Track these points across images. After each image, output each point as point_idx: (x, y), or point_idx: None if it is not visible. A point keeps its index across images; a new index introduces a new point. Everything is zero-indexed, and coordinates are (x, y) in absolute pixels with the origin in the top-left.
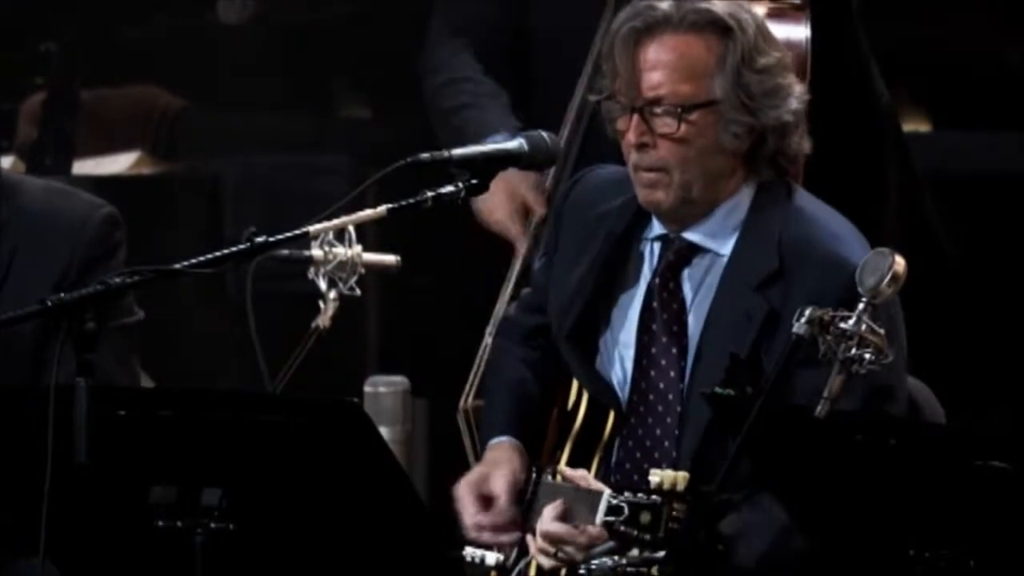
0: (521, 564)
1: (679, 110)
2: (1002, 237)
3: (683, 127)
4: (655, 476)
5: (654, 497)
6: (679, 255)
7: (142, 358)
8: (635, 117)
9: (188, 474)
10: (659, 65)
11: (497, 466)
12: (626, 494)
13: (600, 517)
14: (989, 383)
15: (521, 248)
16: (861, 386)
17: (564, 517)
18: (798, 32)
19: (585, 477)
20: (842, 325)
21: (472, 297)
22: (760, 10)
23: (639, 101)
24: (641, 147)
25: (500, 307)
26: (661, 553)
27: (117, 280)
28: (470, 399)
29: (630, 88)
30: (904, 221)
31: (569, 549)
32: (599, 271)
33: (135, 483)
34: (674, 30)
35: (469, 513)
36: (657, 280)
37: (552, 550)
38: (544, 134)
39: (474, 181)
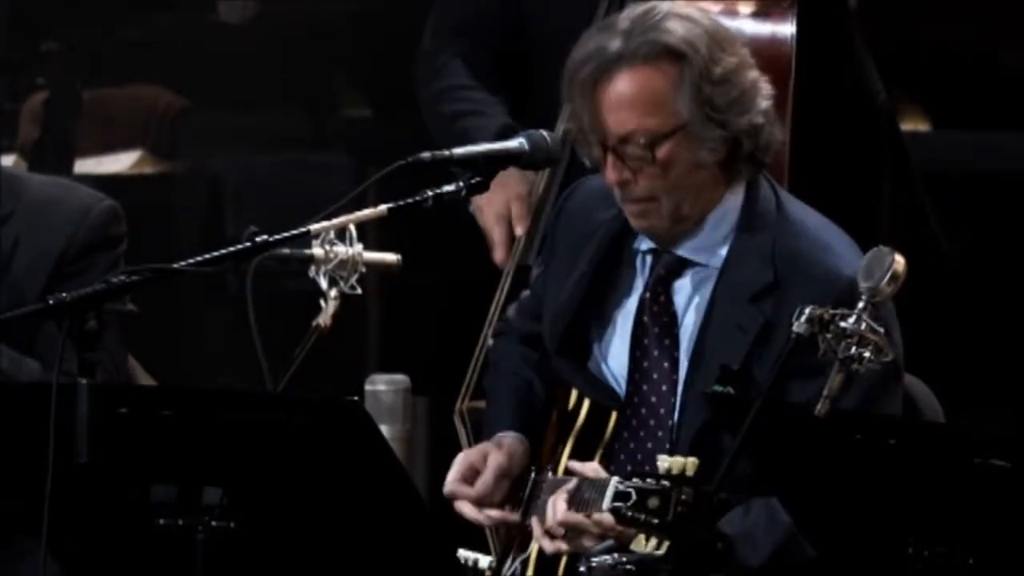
0: (516, 562)
1: (652, 143)
2: (1002, 237)
3: (658, 158)
4: (663, 461)
5: (663, 482)
6: (669, 269)
7: (142, 357)
8: (610, 157)
9: (189, 473)
10: (622, 104)
11: (498, 447)
12: (634, 480)
13: (608, 503)
14: (989, 383)
15: (499, 254)
16: (859, 387)
17: (572, 506)
18: (784, 29)
19: (596, 469)
20: (842, 324)
21: (472, 296)
22: (746, 8)
23: (610, 141)
24: (622, 183)
25: (495, 309)
26: (661, 552)
27: (118, 279)
28: (466, 400)
29: (598, 130)
30: (900, 219)
31: (584, 539)
32: (589, 283)
33: (136, 482)
34: (629, 66)
35: (449, 479)
36: (648, 294)
37: (561, 535)
38: (544, 133)
39: (475, 180)
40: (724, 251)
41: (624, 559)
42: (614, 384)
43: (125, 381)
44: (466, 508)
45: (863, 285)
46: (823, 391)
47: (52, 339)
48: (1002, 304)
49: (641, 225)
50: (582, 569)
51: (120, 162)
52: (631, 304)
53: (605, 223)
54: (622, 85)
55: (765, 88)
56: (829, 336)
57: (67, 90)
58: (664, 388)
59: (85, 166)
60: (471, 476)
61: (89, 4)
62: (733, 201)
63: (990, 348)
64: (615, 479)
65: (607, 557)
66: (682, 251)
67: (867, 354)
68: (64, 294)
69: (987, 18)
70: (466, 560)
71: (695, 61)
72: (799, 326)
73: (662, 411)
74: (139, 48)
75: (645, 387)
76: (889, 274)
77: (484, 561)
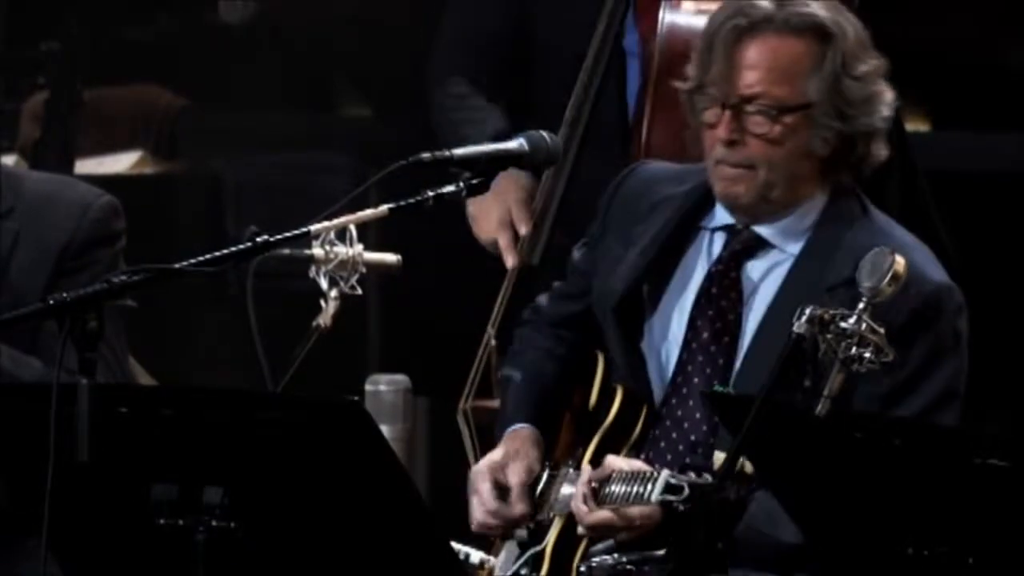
0: (528, 554)
1: (774, 111)
2: (1002, 237)
3: (776, 128)
4: (720, 456)
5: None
6: (746, 245)
7: (143, 357)
8: (727, 113)
9: (189, 472)
10: (757, 64)
11: (516, 457)
12: (690, 474)
13: (657, 495)
14: (989, 383)
15: (509, 261)
16: (927, 390)
17: (602, 502)
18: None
19: (631, 464)
20: (842, 324)
21: (472, 296)
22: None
23: (733, 98)
24: (731, 143)
25: (500, 308)
26: (661, 552)
27: (118, 279)
28: (470, 399)
29: (725, 84)
30: (905, 219)
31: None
32: (657, 253)
33: (137, 481)
34: (776, 31)
35: (487, 499)
36: (720, 267)
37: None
38: (544, 134)
39: (475, 181)
40: (803, 240)
41: (624, 559)
42: (663, 359)
43: (126, 373)
44: (494, 528)
45: (863, 285)
46: (823, 391)
47: (53, 337)
48: (1002, 305)
49: (727, 190)
50: (582, 569)
51: (120, 162)
52: (695, 280)
53: (673, 198)
54: (764, 46)
55: (889, 98)
56: (829, 336)
57: (67, 90)
58: (720, 362)
59: (85, 166)
60: (500, 492)
61: (89, 4)
62: (820, 199)
63: (990, 349)
64: (666, 472)
65: (607, 557)
66: (763, 230)
67: (867, 354)
68: (64, 294)
69: (988, 18)
70: (457, 554)
71: (840, 47)
72: (799, 326)
73: (715, 384)
74: (139, 48)
75: (700, 358)
76: (890, 274)
77: (475, 556)
